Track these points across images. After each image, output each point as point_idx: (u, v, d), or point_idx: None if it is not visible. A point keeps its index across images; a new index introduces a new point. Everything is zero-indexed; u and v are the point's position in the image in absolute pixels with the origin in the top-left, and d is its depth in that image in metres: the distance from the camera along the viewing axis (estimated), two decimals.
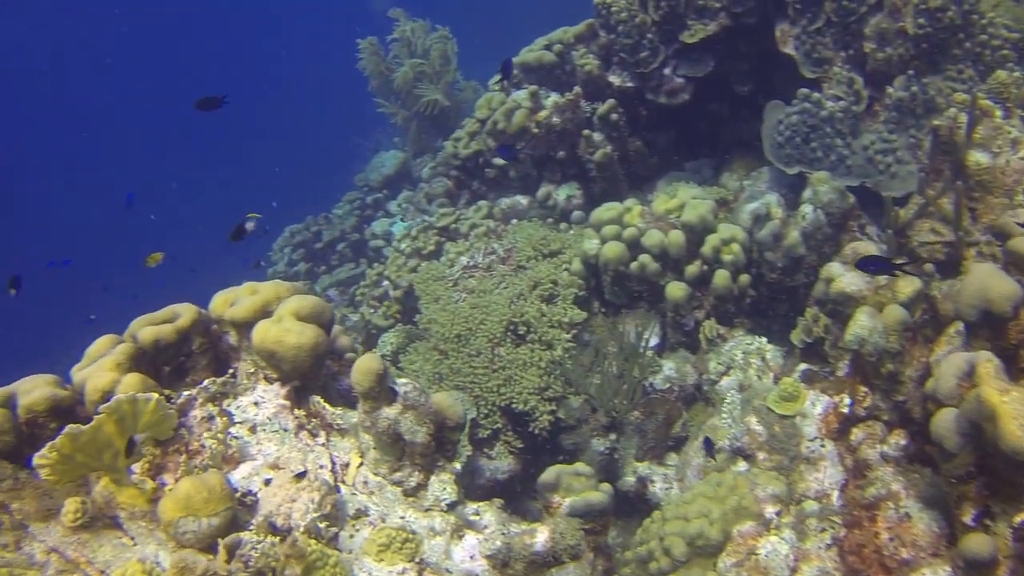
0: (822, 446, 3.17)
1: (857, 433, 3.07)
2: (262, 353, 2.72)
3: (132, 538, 2.38)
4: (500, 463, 4.08)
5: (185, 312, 2.93)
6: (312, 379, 2.85)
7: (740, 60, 5.10)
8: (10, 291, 5.86)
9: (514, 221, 5.27)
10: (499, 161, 5.40)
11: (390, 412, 2.63)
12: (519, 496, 4.09)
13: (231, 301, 2.91)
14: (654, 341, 4.31)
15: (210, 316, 2.97)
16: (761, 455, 3.28)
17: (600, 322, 4.49)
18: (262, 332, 2.73)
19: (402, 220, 6.55)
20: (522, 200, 5.34)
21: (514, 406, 4.11)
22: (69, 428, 2.23)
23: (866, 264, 3.28)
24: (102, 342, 2.91)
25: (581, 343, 4.37)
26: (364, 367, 2.61)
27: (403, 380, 2.75)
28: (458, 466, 2.81)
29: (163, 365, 2.87)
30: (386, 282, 5.32)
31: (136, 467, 2.54)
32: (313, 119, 25.82)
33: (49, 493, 2.43)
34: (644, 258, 4.24)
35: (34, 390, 2.67)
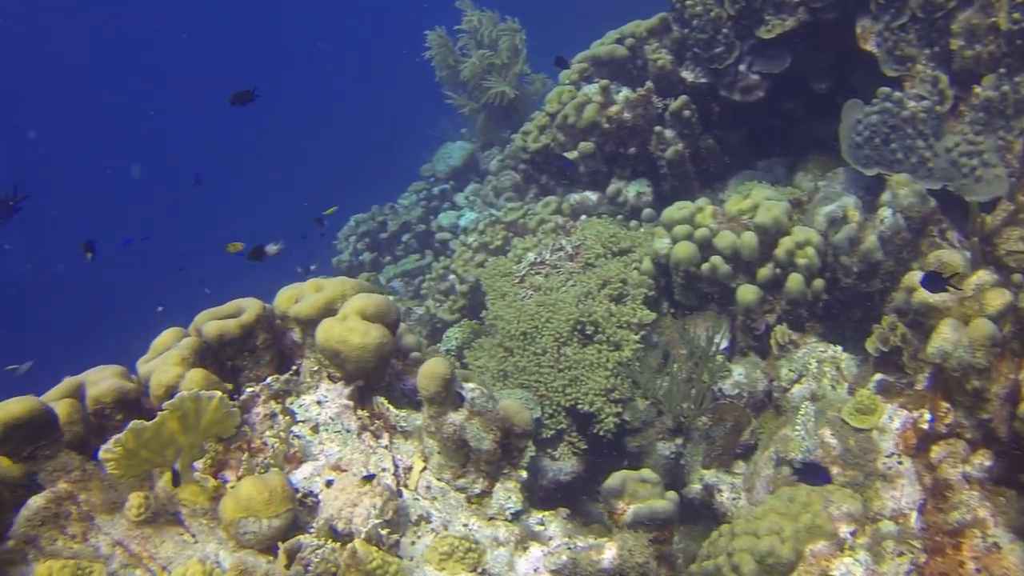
0: (900, 463, 3.03)
1: (937, 451, 2.92)
2: (326, 352, 2.69)
3: (193, 535, 2.37)
4: (563, 464, 4.01)
5: (250, 307, 2.91)
6: (376, 379, 2.81)
7: (817, 57, 4.91)
8: (86, 255, 5.96)
9: (583, 217, 5.17)
10: (572, 154, 5.30)
11: (456, 418, 2.57)
12: (582, 498, 4.03)
13: (296, 297, 2.88)
14: (724, 344, 4.19)
15: (274, 312, 2.94)
16: (835, 469, 3.15)
17: (669, 323, 4.38)
18: (326, 331, 2.69)
19: (471, 212, 6.50)
20: (591, 196, 5.24)
21: (579, 407, 4.03)
22: (133, 424, 2.22)
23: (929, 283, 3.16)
24: (167, 335, 2.90)
25: (649, 344, 4.26)
26: (431, 371, 2.55)
27: (470, 385, 2.69)
28: (524, 474, 2.74)
29: (227, 360, 2.85)
30: (452, 276, 5.28)
31: (199, 463, 2.53)
32: (380, 107, 25.91)
33: (114, 486, 2.42)
34: (715, 259, 4.11)
35: (101, 381, 2.67)
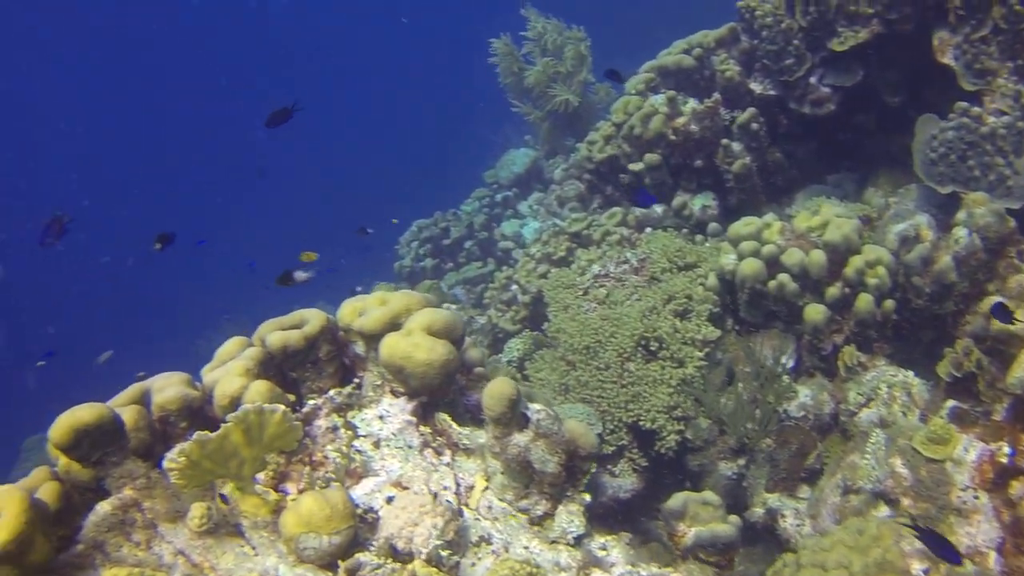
0: (975, 497, 2.91)
1: (1017, 487, 2.80)
2: (390, 368, 2.67)
3: (254, 548, 2.37)
4: (623, 481, 3.96)
5: (314, 319, 2.90)
6: (440, 395, 2.79)
7: (891, 70, 4.77)
8: (155, 246, 6.06)
9: (648, 230, 5.11)
10: (637, 166, 5.23)
11: (521, 439, 2.54)
12: (641, 517, 3.97)
13: (360, 311, 2.87)
14: (789, 364, 4.09)
15: (338, 324, 2.94)
16: (906, 501, 3.04)
17: (733, 341, 4.29)
18: (391, 346, 2.67)
19: (534, 221, 6.46)
20: (657, 208, 5.16)
21: (641, 424, 3.97)
22: (198, 435, 2.23)
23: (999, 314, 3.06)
24: (232, 344, 2.91)
25: (713, 362, 4.18)
26: (498, 392, 2.52)
27: (536, 406, 2.65)
28: (587, 497, 2.69)
29: (290, 370, 2.86)
30: (515, 286, 5.25)
31: (261, 475, 2.53)
32: (444, 112, 26.08)
33: (177, 495, 2.44)
34: (783, 277, 4.02)
35: (167, 388, 2.69)
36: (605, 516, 3.75)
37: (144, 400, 2.68)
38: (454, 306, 5.32)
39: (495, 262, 6.77)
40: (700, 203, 5.14)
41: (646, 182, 5.24)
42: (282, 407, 2.33)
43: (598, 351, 4.21)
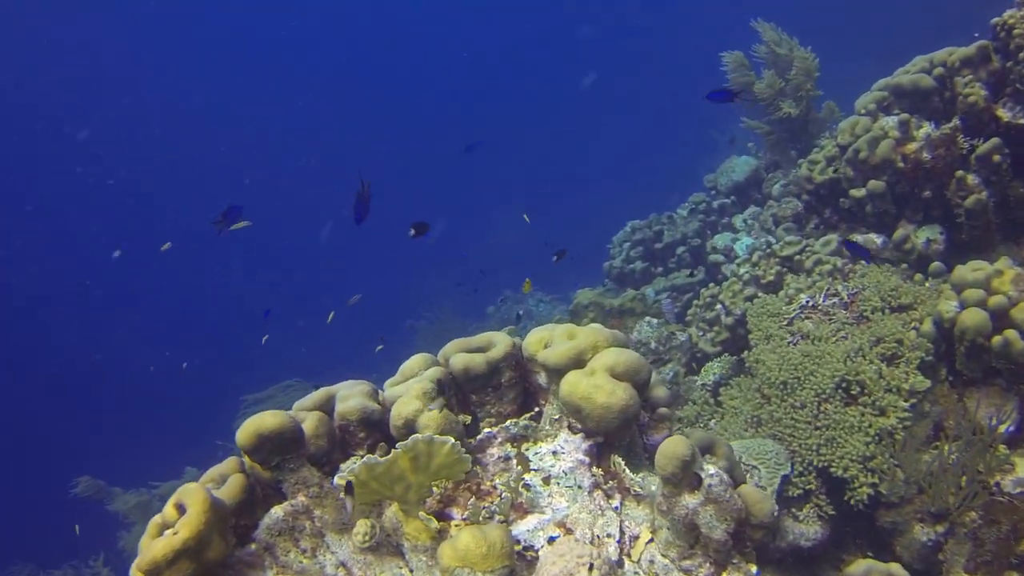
0: None
1: None
2: (568, 406, 2.65)
3: (411, 570, 2.43)
4: (806, 528, 3.73)
5: (499, 343, 2.92)
6: (617, 438, 2.73)
7: None
8: (410, 232, 6.35)
9: (863, 261, 4.76)
10: (858, 192, 4.86)
11: (690, 501, 2.45)
12: (823, 566, 3.74)
13: (546, 342, 2.85)
14: (1009, 428, 3.68)
15: (523, 351, 2.95)
16: None
17: (944, 392, 3.92)
18: (571, 384, 2.64)
19: (747, 237, 6.19)
20: (875, 239, 4.79)
21: (832, 470, 3.73)
22: (368, 459, 2.31)
23: None
24: (417, 360, 2.98)
25: (919, 413, 3.84)
26: (671, 452, 2.44)
27: (711, 468, 2.54)
28: (754, 569, 2.56)
29: (471, 392, 2.90)
30: (719, 306, 5.07)
31: (428, 500, 2.59)
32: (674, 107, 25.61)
33: (346, 506, 2.56)
34: (1010, 334, 3.60)
35: (350, 399, 2.79)
36: (782, 562, 3.57)
37: (328, 406, 2.81)
38: (656, 321, 5.21)
39: (703, 270, 6.55)
40: (925, 236, 4.71)
41: (867, 209, 4.87)
42: (451, 439, 2.37)
43: (795, 388, 3.98)
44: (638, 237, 7.34)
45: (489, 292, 13.23)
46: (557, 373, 2.76)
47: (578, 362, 2.73)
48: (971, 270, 3.87)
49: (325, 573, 2.43)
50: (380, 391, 2.95)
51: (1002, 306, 3.66)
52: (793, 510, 3.80)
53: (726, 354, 4.89)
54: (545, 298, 12.13)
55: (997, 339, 3.64)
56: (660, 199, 8.59)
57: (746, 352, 4.45)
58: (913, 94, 4.96)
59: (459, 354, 2.85)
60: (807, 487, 3.78)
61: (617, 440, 2.71)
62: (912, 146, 4.72)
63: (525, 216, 8.41)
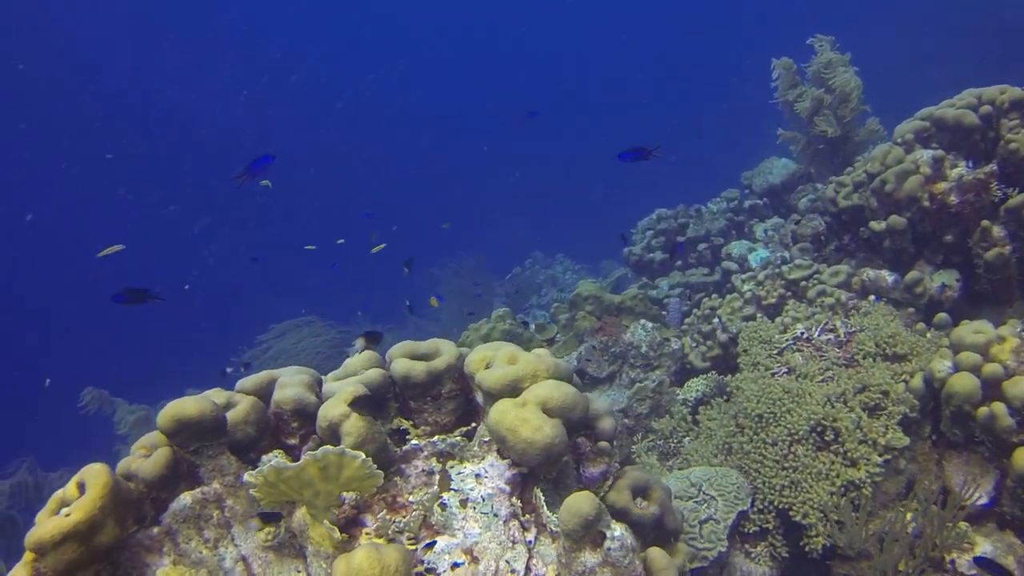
0: None
1: None
2: (493, 434, 2.49)
3: (308, 575, 2.36)
4: (756, 567, 3.57)
5: (444, 354, 2.75)
6: (543, 471, 2.58)
7: None
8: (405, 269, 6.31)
9: (872, 298, 4.48)
10: (878, 225, 4.57)
11: (589, 560, 2.28)
12: None
13: (488, 361, 2.69)
14: (982, 501, 3.45)
15: (465, 367, 2.78)
16: None
17: (924, 451, 3.69)
18: (499, 413, 2.48)
19: (763, 249, 5.90)
20: (887, 277, 4.50)
21: (792, 514, 3.56)
22: (277, 463, 2.19)
23: None
24: (361, 358, 2.82)
25: (893, 470, 3.63)
26: (574, 508, 2.27)
27: (617, 530, 2.35)
28: None
29: (410, 399, 2.77)
30: (716, 320, 4.84)
31: (347, 495, 2.47)
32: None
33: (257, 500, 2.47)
34: (997, 408, 3.35)
35: (288, 387, 2.65)
36: None
37: (268, 390, 2.70)
38: (651, 324, 4.99)
39: (721, 273, 6.29)
40: (941, 281, 4.42)
41: (885, 244, 4.58)
42: (361, 456, 2.24)
43: (770, 423, 3.79)
44: (662, 227, 7.07)
45: (517, 252, 13.09)
46: (491, 397, 2.60)
47: (514, 389, 2.56)
48: (972, 332, 3.61)
49: (223, 567, 2.35)
50: (324, 380, 2.84)
51: (996, 376, 3.41)
52: (747, 546, 3.65)
53: (713, 372, 4.68)
54: (573, 266, 11.93)
55: (983, 410, 3.40)
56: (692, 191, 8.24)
57: (731, 377, 4.25)
58: (955, 130, 4.62)
59: (401, 359, 2.70)
60: (764, 525, 3.62)
61: (542, 473, 2.56)
62: (942, 185, 4.41)
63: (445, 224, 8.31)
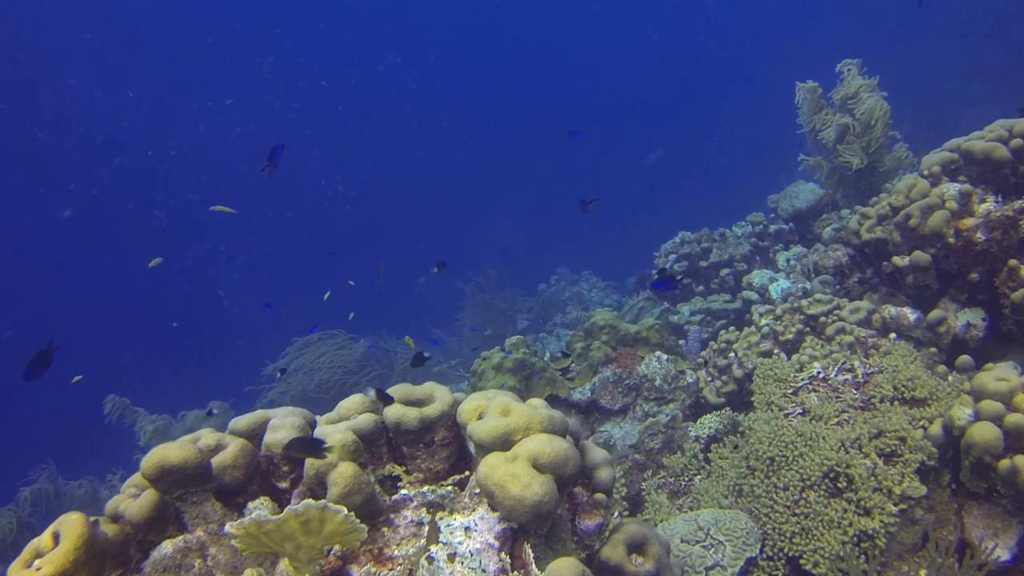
0: None
1: None
2: (482, 488, 2.40)
3: None
4: None
5: (439, 400, 2.66)
6: (533, 527, 2.49)
7: None
8: (434, 269, 6.28)
9: (893, 336, 4.33)
10: (902, 261, 4.42)
11: None
12: None
13: (481, 411, 2.60)
14: (1003, 557, 3.29)
15: (457, 416, 2.69)
16: None
17: (943, 500, 3.54)
18: (489, 467, 2.39)
19: (784, 280, 5.74)
20: (909, 315, 4.34)
21: (802, 563, 3.43)
22: (257, 516, 2.13)
23: None
24: (354, 401, 2.74)
25: (909, 519, 3.49)
26: (557, 573, 2.20)
27: None
28: None
29: (402, 444, 2.69)
30: (733, 354, 4.70)
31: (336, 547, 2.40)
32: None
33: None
34: (1021, 461, 3.20)
35: (279, 430, 2.58)
36: None
37: (260, 431, 2.64)
38: (665, 357, 4.88)
39: (742, 301, 6.15)
40: (966, 319, 4.26)
41: (908, 280, 4.43)
42: (343, 511, 2.17)
43: (781, 467, 3.67)
44: (685, 251, 6.94)
45: (543, 268, 12.98)
46: (483, 449, 2.51)
47: (505, 442, 2.47)
48: (994, 379, 3.46)
49: None
50: (317, 422, 2.77)
51: (1019, 428, 3.26)
52: None
53: (728, 408, 4.55)
54: (599, 284, 11.80)
55: (1005, 463, 3.25)
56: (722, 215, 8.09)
57: (743, 415, 4.13)
58: (984, 163, 4.46)
59: (394, 406, 2.63)
60: (774, 572, 3.50)
61: (533, 528, 2.46)
62: (968, 221, 4.25)
63: (350, 282, 8.37)
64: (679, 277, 4.51)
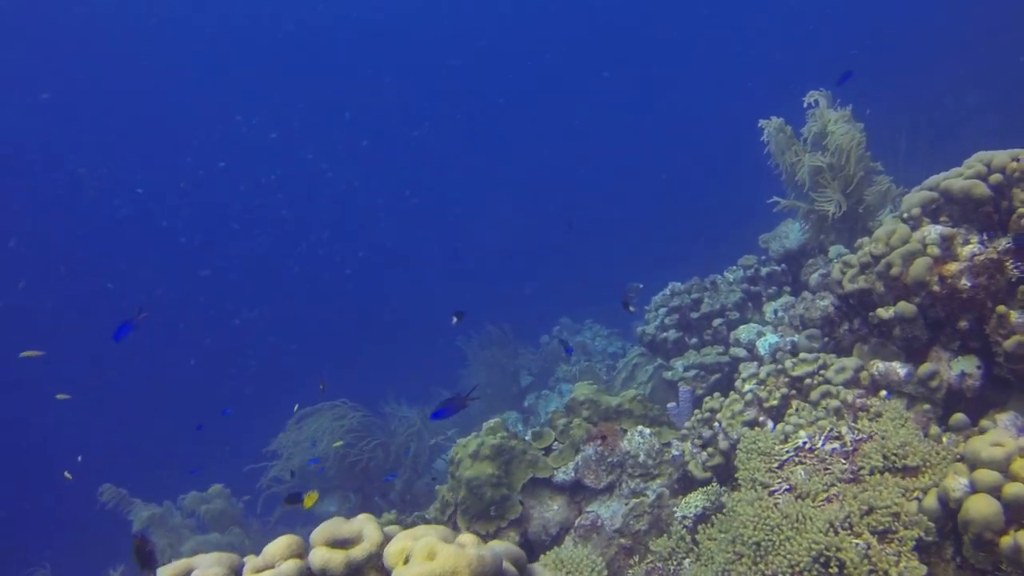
0: None
1: None
2: None
3: None
4: None
5: (366, 540, 2.42)
6: None
7: None
8: (454, 319, 6.06)
9: (884, 394, 4.04)
10: (887, 312, 4.13)
11: None
12: None
13: (407, 554, 2.37)
14: None
15: (383, 559, 2.45)
16: None
17: (949, 574, 3.24)
18: None
19: (772, 334, 5.47)
20: (899, 370, 4.05)
21: None
22: None
23: None
24: (280, 544, 2.44)
25: None
26: None
27: None
28: None
29: None
30: (717, 424, 4.42)
31: None
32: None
33: None
34: (1023, 537, 2.91)
35: (213, 566, 2.41)
36: None
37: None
38: (648, 431, 4.60)
39: (729, 357, 5.85)
40: (960, 368, 3.97)
41: (895, 332, 4.15)
42: None
43: (769, 553, 3.37)
44: (675, 303, 6.66)
45: (543, 321, 12.73)
46: None
47: None
48: (989, 443, 3.16)
49: None
50: (244, 565, 2.53)
51: (1019, 499, 2.96)
52: None
53: (714, 482, 4.26)
54: (602, 332, 11.52)
55: (1007, 540, 2.94)
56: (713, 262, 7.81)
57: (727, 493, 3.85)
58: (964, 202, 4.21)
59: (319, 549, 2.39)
60: None
61: None
62: (952, 267, 3.98)
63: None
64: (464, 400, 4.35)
